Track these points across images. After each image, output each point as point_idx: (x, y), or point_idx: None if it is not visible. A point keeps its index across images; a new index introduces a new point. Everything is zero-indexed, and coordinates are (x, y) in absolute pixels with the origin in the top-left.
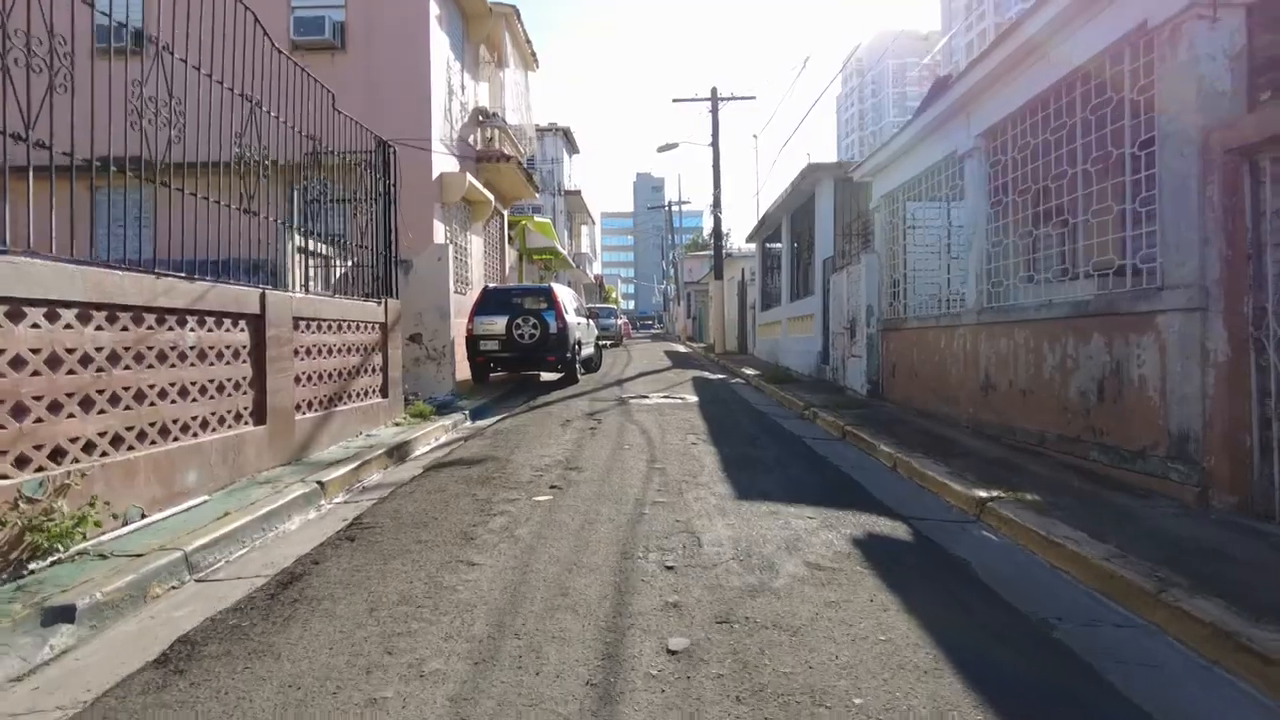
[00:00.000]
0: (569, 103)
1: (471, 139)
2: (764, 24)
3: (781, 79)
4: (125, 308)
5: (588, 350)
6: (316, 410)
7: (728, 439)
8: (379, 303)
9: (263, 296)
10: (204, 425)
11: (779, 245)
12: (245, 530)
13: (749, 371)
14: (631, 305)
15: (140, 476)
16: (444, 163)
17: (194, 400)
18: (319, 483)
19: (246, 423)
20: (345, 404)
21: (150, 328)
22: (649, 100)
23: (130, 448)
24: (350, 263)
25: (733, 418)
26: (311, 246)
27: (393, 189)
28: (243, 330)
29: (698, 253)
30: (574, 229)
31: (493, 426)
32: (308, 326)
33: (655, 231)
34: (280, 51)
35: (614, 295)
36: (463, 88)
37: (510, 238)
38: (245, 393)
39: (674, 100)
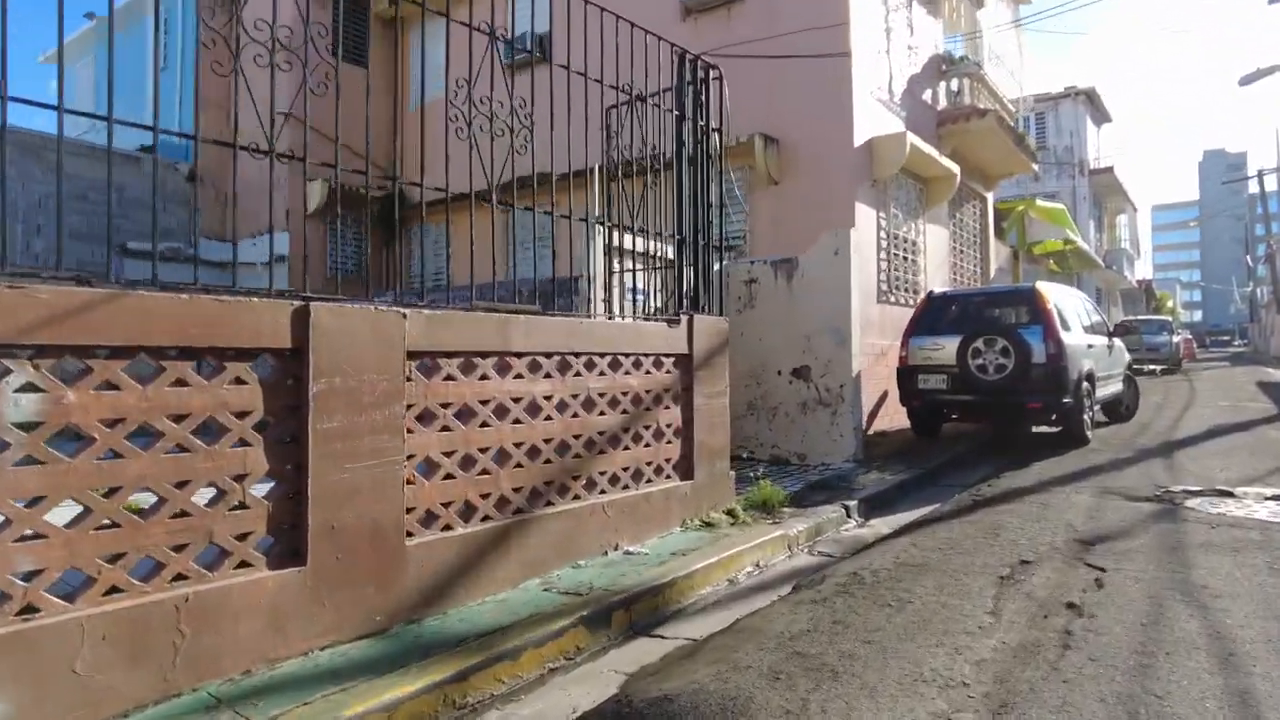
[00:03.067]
0: (1091, 59)
1: (928, 95)
2: None
3: None
4: None
5: (1109, 388)
6: (486, 519)
7: None
8: (673, 324)
9: (300, 313)
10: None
11: None
12: None
13: None
14: (1196, 316)
15: None
16: (875, 122)
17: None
18: None
19: (253, 565)
20: (580, 497)
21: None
22: (1217, 54)
23: None
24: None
25: None
26: (632, 245)
27: (711, 137)
28: (252, 384)
29: None
30: (1105, 219)
31: (869, 555)
32: (463, 367)
33: (1234, 222)
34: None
35: (1169, 304)
36: (910, 27)
37: (1000, 229)
38: (263, 500)
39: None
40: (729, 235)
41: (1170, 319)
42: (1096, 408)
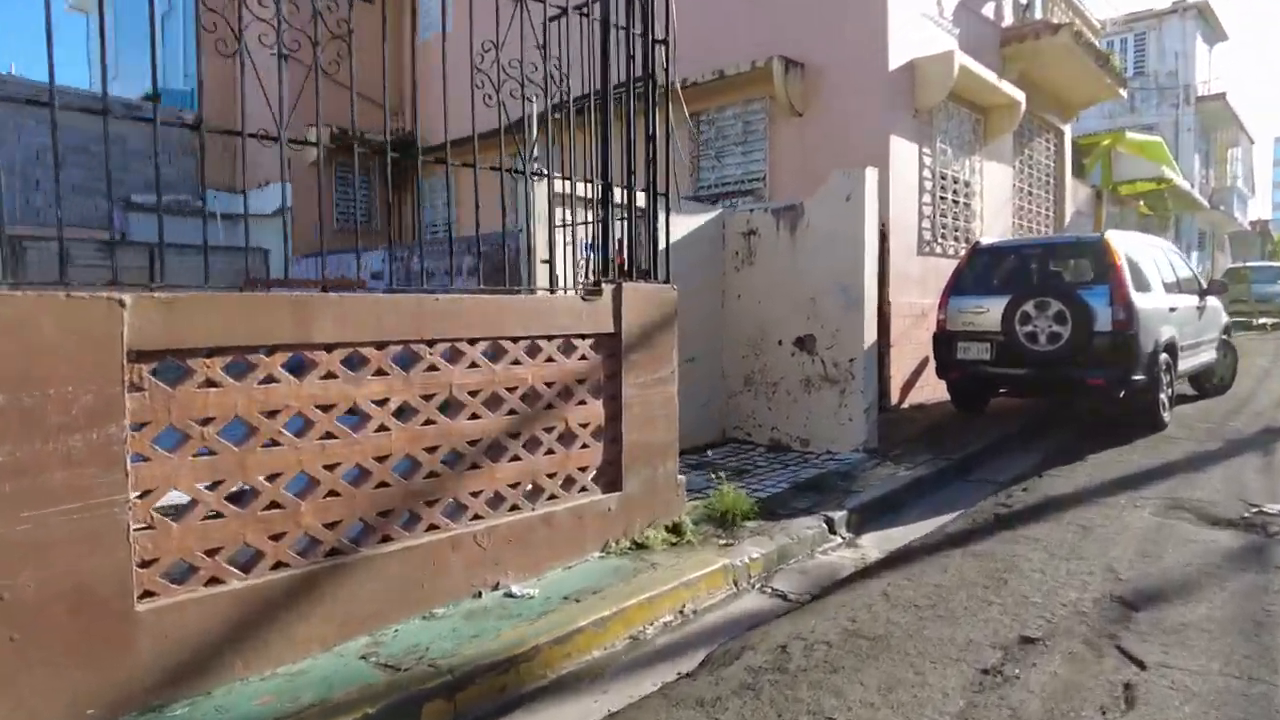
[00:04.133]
0: None
1: (989, 9)
2: None
3: None
4: None
5: (1197, 358)
6: (280, 567)
7: None
8: (591, 295)
9: None
10: None
11: None
12: None
13: None
14: None
15: None
16: (919, 41)
17: None
18: None
19: None
20: (438, 528)
21: None
22: None
23: None
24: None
25: None
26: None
27: (655, 52)
28: None
29: None
30: (1213, 153)
31: (822, 610)
32: (234, 368)
33: None
34: None
35: None
36: None
37: (1081, 167)
38: None
39: None
40: (745, 177)
41: None
42: (1180, 382)
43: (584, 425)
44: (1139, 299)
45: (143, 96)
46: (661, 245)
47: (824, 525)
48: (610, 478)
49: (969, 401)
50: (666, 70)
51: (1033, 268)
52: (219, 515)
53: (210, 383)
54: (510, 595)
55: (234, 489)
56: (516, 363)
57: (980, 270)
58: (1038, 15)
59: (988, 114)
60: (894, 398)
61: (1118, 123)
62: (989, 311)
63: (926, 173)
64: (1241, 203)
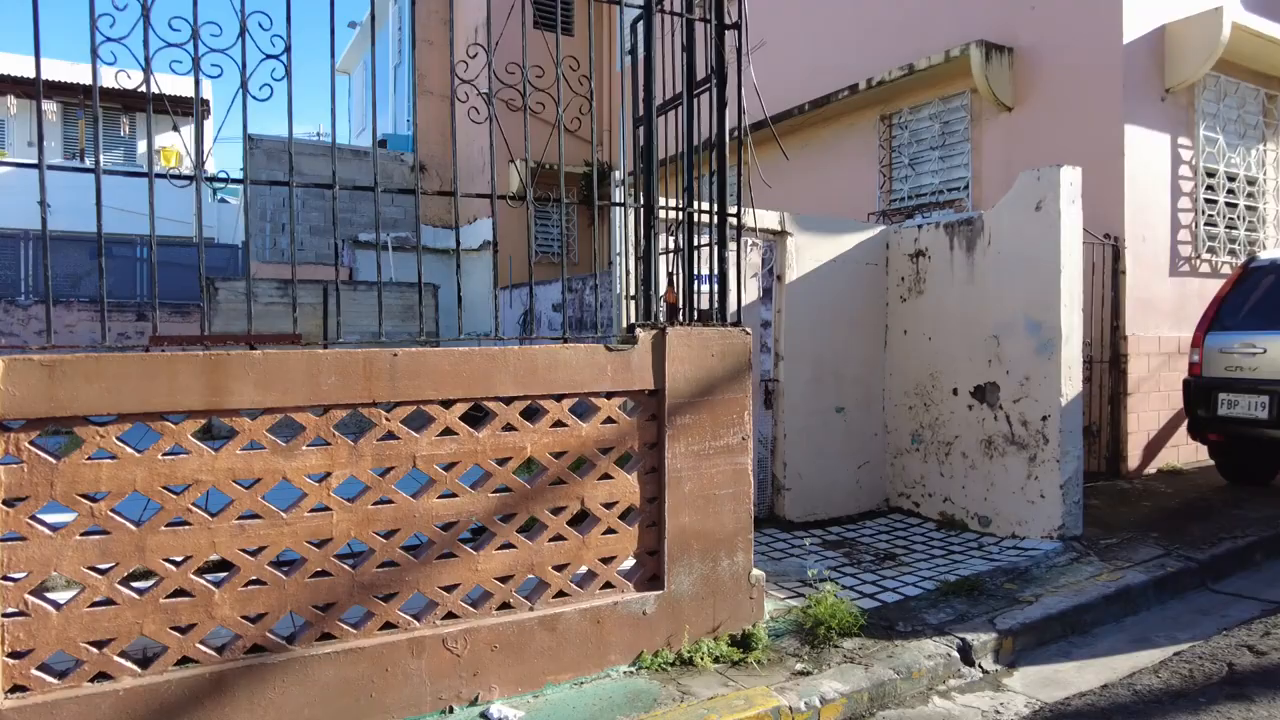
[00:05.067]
0: None
1: None
2: None
3: None
4: None
5: None
6: (186, 663)
7: None
8: (622, 346)
9: None
10: None
11: None
12: None
13: None
14: None
15: None
16: (1166, 1)
17: None
18: None
19: None
20: (396, 626)
21: None
22: None
23: None
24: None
25: None
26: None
27: (721, 39)
28: None
29: None
30: None
31: None
32: (133, 437)
33: None
34: None
35: None
36: None
37: None
38: None
39: None
40: (944, 186)
41: None
42: None
43: (609, 505)
44: None
45: (378, 143)
46: (731, 279)
47: (955, 653)
48: (649, 572)
49: (1244, 471)
50: (739, 62)
51: None
52: (109, 602)
53: (106, 453)
54: (486, 717)
55: (129, 572)
56: (510, 428)
57: (1256, 296)
58: None
59: None
60: (1132, 461)
61: None
62: (1265, 352)
63: (1185, 169)
64: None
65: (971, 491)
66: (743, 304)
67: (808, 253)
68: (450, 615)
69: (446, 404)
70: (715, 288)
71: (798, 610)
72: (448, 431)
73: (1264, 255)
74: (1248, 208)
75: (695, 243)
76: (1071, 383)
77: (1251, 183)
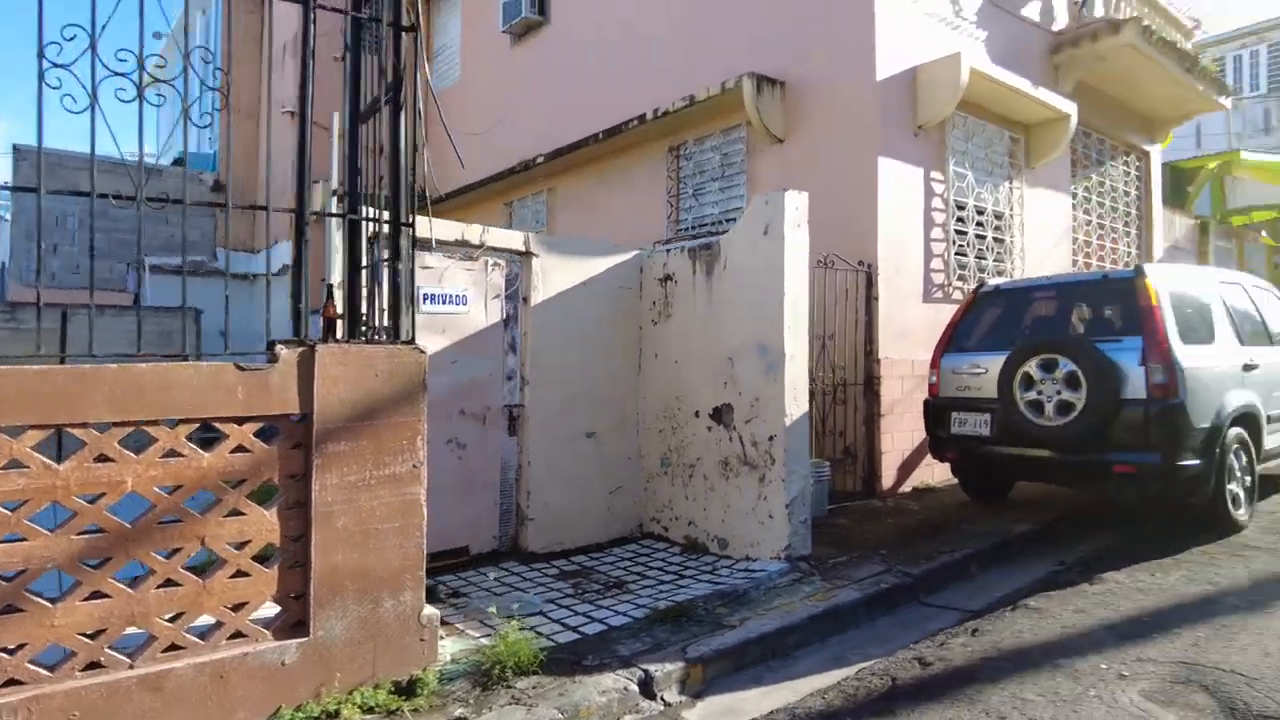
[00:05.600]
0: None
1: (1032, 8)
2: None
3: None
4: None
5: None
6: None
7: None
8: (254, 368)
9: None
10: None
11: None
12: None
13: None
14: None
15: None
16: (918, 47)
17: None
18: None
19: None
20: None
21: None
22: None
23: None
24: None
25: None
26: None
27: (397, 39)
28: None
29: None
30: None
31: None
32: None
33: None
34: None
35: None
36: None
37: (1185, 195)
38: None
39: None
40: (723, 216)
41: None
42: (1267, 465)
43: (240, 545)
44: (1189, 355)
45: (172, 162)
46: (404, 291)
47: (635, 686)
48: (293, 617)
49: (979, 488)
50: (417, 57)
51: (1039, 316)
52: None
53: None
54: None
55: None
56: (104, 459)
57: (981, 320)
58: (1098, 13)
59: (1029, 131)
60: (887, 480)
61: (1249, 145)
62: (986, 372)
63: (938, 201)
64: None
65: (711, 514)
66: (483, 327)
67: (557, 275)
68: (11, 681)
69: (13, 432)
70: (388, 303)
71: (486, 649)
72: (15, 464)
73: (992, 282)
74: (995, 239)
75: (379, 256)
76: (797, 403)
77: (999, 217)
